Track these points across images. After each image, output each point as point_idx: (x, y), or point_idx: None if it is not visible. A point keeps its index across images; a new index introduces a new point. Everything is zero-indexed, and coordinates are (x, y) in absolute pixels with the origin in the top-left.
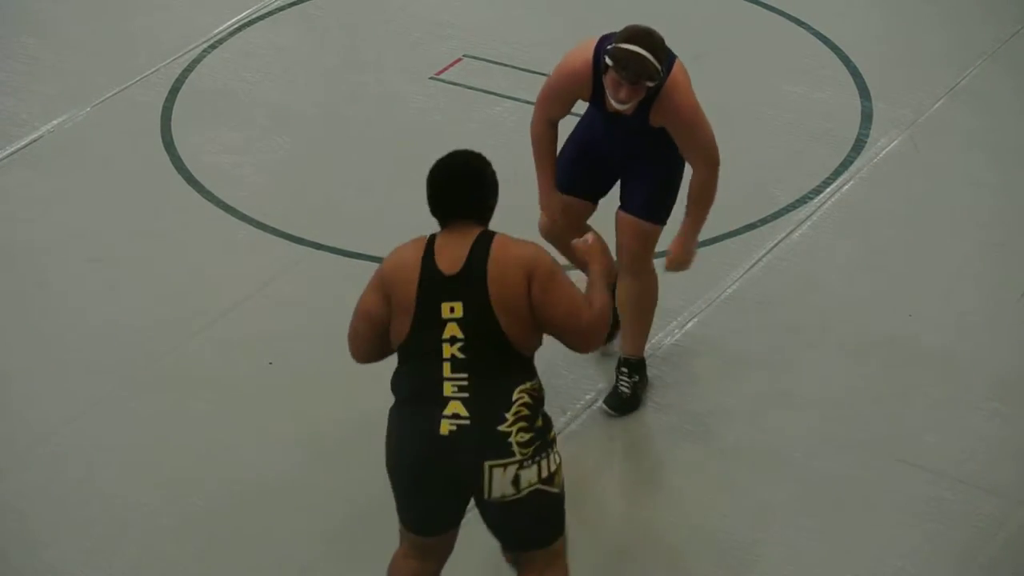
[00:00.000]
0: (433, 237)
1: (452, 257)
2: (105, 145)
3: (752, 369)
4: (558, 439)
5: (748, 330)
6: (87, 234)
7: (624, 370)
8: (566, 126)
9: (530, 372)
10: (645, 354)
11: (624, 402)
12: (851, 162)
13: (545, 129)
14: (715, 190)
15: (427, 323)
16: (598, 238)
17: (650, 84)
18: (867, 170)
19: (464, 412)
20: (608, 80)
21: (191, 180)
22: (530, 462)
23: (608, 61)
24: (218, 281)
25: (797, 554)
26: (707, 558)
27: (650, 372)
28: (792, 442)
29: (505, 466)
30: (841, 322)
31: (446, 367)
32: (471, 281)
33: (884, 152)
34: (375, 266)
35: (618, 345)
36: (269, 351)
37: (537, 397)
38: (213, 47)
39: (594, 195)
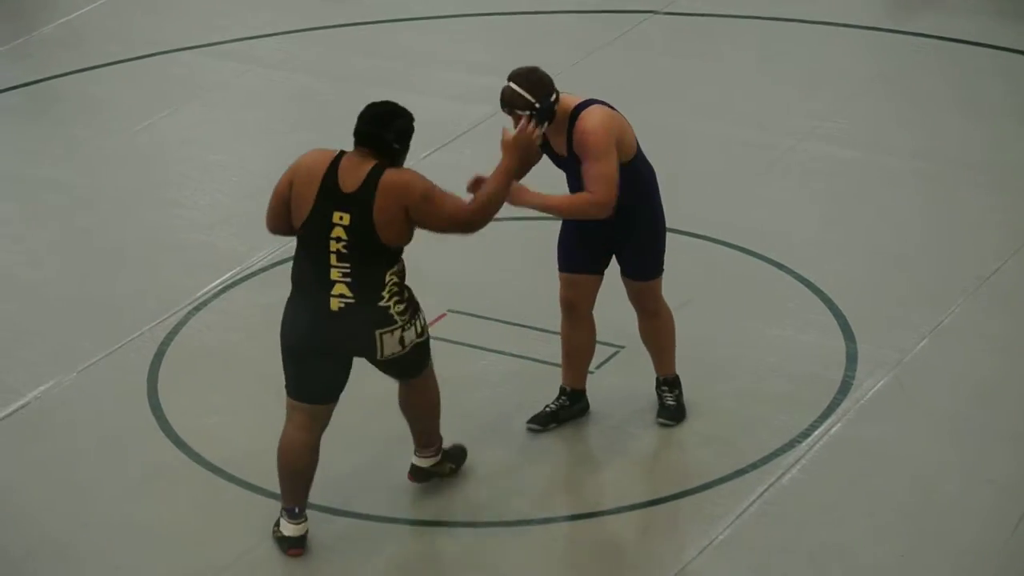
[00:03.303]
0: (341, 155)
1: (350, 179)
2: (92, 410)
3: None
4: None
5: None
6: (76, 499)
7: (665, 387)
8: None
9: (395, 259)
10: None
11: (674, 411)
12: (838, 404)
13: None
14: (585, 212)
15: (320, 221)
16: (519, 135)
17: (523, 112)
18: (854, 412)
19: (348, 293)
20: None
21: (179, 442)
22: (409, 325)
23: None
24: (207, 542)
25: None
26: None
27: None
28: None
29: (392, 331)
30: (834, 567)
31: (332, 258)
32: (360, 202)
33: (871, 393)
34: (367, 524)
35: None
36: None
37: (401, 275)
38: (197, 309)
39: (595, 268)
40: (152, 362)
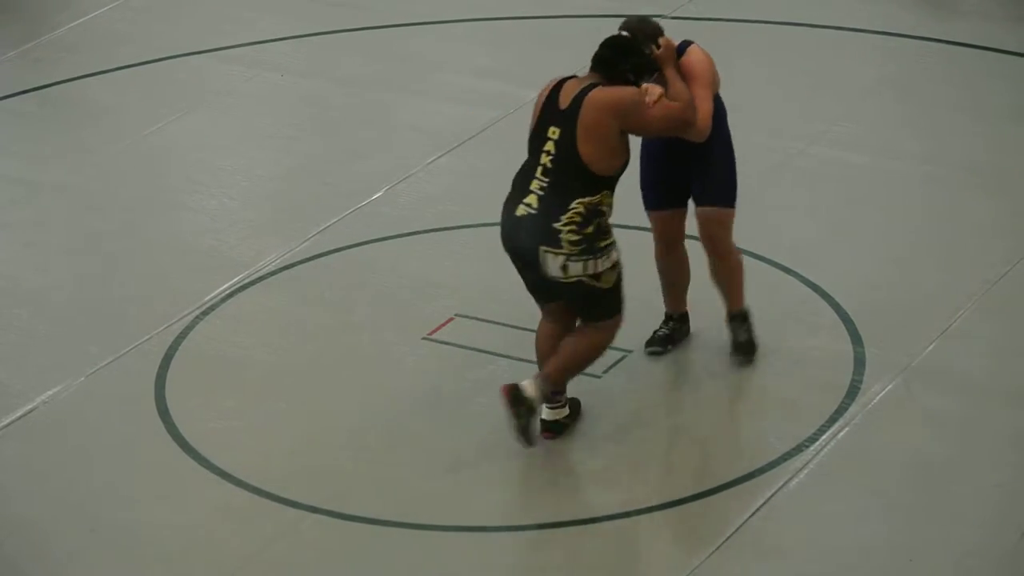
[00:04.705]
0: (568, 78)
1: (567, 96)
2: (100, 414)
3: None
4: None
5: None
6: (84, 504)
7: (735, 322)
8: None
9: (595, 191)
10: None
11: (747, 347)
12: (846, 408)
13: None
14: (688, 118)
15: (540, 134)
16: (663, 49)
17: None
18: (862, 416)
19: (535, 204)
20: None
21: (186, 447)
22: (576, 258)
23: None
24: (215, 547)
25: None
26: None
27: None
28: None
29: (556, 254)
30: (841, 571)
31: (539, 170)
32: (569, 117)
33: (878, 398)
34: (374, 528)
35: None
36: None
37: (592, 210)
38: (205, 313)
39: (680, 202)
40: (160, 366)
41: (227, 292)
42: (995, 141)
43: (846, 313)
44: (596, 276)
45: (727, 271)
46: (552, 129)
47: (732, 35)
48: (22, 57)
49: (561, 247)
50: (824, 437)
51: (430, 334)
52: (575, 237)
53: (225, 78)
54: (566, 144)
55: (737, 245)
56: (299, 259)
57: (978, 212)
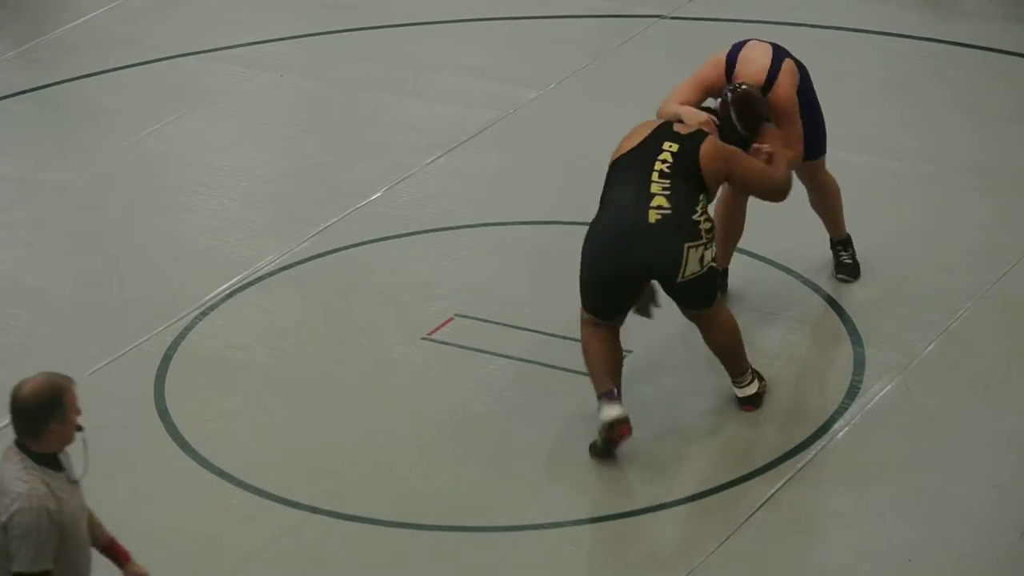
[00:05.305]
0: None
1: (684, 128)
2: (99, 415)
3: None
4: None
5: None
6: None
7: (839, 247)
8: None
9: (706, 190)
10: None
11: (851, 268)
12: (846, 408)
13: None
14: (792, 167)
15: (650, 146)
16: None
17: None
18: (861, 416)
19: (667, 204)
20: None
21: (186, 447)
22: (711, 244)
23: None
24: (214, 548)
25: None
26: None
27: None
28: None
29: (697, 247)
30: (842, 571)
31: (655, 175)
32: (691, 140)
33: (878, 397)
34: (374, 528)
35: None
36: None
37: (707, 202)
38: (204, 314)
39: None
40: (159, 367)
41: (226, 292)
42: (995, 141)
43: (846, 313)
44: (714, 258)
45: (823, 199)
46: (669, 143)
47: (732, 35)
48: (21, 57)
49: (702, 237)
50: (823, 437)
51: (430, 334)
52: (708, 225)
53: (224, 78)
54: (688, 154)
55: (737, 245)
56: (298, 259)
57: (978, 212)
